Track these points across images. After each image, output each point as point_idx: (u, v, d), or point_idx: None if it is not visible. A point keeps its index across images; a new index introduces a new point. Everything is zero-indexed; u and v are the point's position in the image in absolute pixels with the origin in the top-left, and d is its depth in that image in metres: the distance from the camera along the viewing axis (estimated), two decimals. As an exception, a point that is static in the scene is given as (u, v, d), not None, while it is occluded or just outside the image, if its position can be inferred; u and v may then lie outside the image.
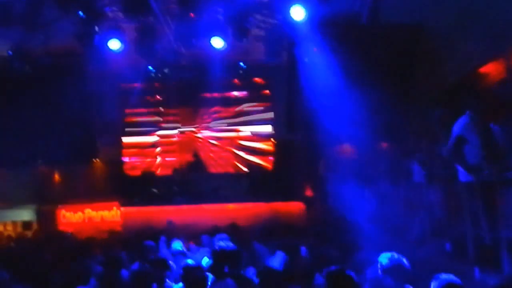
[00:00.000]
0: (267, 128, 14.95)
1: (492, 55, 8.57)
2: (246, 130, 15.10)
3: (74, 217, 13.81)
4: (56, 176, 14.71)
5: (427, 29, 9.85)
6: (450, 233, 7.72)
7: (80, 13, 9.83)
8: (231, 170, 14.84)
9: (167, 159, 15.27)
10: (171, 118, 15.34)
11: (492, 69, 8.81)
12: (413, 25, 9.94)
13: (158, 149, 15.28)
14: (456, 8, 8.73)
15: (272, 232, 9.34)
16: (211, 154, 15.11)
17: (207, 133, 15.24)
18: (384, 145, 11.07)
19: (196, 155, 15.07)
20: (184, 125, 15.31)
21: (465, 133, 6.85)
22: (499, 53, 8.42)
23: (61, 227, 13.48)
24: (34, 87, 12.09)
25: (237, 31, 10.46)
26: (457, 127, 6.97)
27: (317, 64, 10.39)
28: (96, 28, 10.25)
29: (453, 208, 7.89)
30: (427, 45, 9.92)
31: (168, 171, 14.83)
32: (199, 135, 15.29)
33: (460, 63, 9.43)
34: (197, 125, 15.28)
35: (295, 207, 12.91)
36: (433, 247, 7.67)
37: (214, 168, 15.01)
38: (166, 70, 12.45)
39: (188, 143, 15.26)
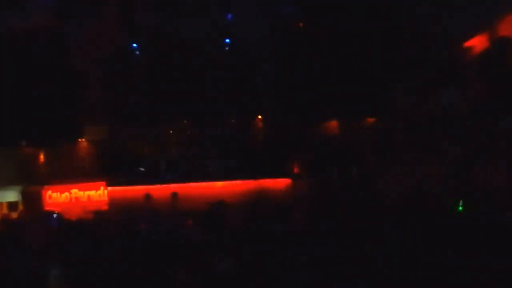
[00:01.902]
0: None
1: (477, 29, 8.58)
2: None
3: (60, 198, 13.73)
4: (41, 157, 14.52)
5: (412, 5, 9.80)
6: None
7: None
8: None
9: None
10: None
11: (477, 43, 8.82)
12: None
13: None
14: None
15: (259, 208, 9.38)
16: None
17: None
18: (370, 120, 11.10)
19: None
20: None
21: None
22: (485, 27, 8.43)
23: (47, 208, 13.41)
24: (15, 66, 11.82)
25: (220, 5, 10.31)
26: None
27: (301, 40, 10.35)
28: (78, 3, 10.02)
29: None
30: (412, 22, 9.88)
31: (154, 150, 14.69)
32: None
33: (446, 38, 9.43)
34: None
35: (283, 183, 12.94)
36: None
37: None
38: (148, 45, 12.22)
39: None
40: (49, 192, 13.69)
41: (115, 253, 6.75)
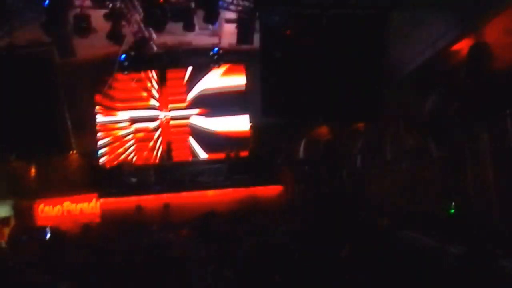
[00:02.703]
0: (244, 113, 14.83)
1: (462, 32, 8.61)
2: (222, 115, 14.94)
3: (52, 211, 13.68)
4: (32, 170, 14.47)
5: (398, 6, 9.85)
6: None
7: (46, 1, 9.58)
8: (208, 156, 14.71)
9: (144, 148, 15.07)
10: (144, 105, 15.07)
11: (462, 47, 8.86)
12: (384, 3, 9.95)
13: (134, 139, 15.05)
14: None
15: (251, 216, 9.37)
16: (188, 140, 14.93)
17: (180, 116, 14.99)
18: (360, 126, 11.13)
19: (170, 143, 14.92)
20: (160, 110, 15.06)
21: None
22: (470, 30, 8.47)
23: (39, 222, 13.34)
24: (2, 81, 11.77)
25: (208, 14, 10.33)
26: None
27: (290, 48, 10.38)
28: (63, 17, 9.99)
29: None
30: (397, 25, 9.92)
31: (146, 160, 14.68)
32: (174, 122, 15.05)
33: (431, 41, 9.48)
34: (171, 111, 15.05)
35: (274, 190, 12.94)
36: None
37: (192, 155, 14.85)
38: (138, 58, 12.21)
39: (164, 131, 15.06)
40: (41, 206, 13.65)
41: (108, 266, 6.69)
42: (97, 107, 14.82)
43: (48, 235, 12.26)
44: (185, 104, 14.96)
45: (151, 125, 15.01)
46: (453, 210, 8.03)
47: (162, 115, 15.03)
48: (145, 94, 14.99)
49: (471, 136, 7.12)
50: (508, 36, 7.40)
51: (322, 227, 7.08)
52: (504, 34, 7.55)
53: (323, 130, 12.11)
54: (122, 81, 14.64)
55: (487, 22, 8.20)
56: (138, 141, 14.96)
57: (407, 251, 5.82)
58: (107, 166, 14.63)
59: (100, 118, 14.86)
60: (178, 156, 14.75)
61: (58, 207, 13.70)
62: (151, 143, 14.94)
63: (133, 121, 15.01)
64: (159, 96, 15.02)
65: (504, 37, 7.50)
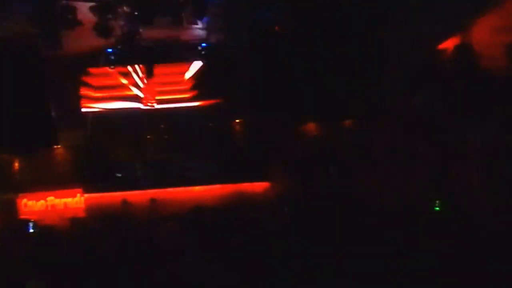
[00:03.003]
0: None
1: (449, 31, 8.72)
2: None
3: (36, 206, 13.52)
4: (16, 164, 14.29)
5: (391, 5, 9.91)
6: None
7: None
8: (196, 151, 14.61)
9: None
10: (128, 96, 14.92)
11: (449, 46, 8.97)
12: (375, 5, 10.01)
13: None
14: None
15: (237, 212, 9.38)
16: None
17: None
18: (348, 123, 11.19)
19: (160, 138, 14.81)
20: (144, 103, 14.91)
21: None
22: (456, 29, 8.58)
23: (22, 216, 13.19)
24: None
25: (196, 9, 10.30)
26: None
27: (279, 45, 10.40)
28: (50, 9, 9.89)
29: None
30: (390, 22, 9.99)
31: (131, 155, 14.55)
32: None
33: (419, 40, 9.57)
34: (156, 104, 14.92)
35: (262, 187, 12.96)
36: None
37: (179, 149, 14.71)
38: (126, 52, 12.13)
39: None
40: (25, 200, 13.46)
41: (93, 260, 6.67)
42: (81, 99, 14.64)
43: (31, 230, 12.19)
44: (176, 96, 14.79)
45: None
46: (437, 208, 8.11)
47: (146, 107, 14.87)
48: (129, 86, 14.81)
49: (458, 134, 7.21)
50: (495, 36, 7.50)
51: (310, 224, 7.12)
52: (491, 34, 7.65)
53: (311, 126, 12.15)
54: (106, 73, 14.49)
55: (473, 21, 8.32)
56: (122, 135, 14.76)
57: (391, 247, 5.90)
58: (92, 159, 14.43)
59: (84, 110, 14.66)
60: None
61: (42, 201, 13.53)
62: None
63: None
64: (144, 89, 14.87)
65: (490, 36, 7.60)
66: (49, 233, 10.28)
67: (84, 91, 14.52)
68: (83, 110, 14.43)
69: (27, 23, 10.17)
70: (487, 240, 5.92)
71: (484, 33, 7.95)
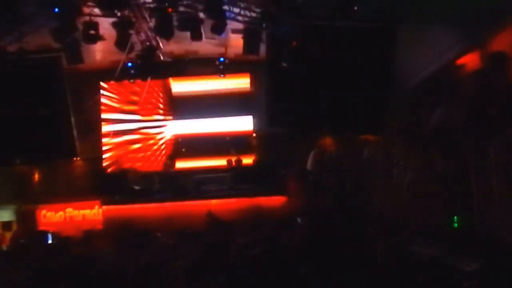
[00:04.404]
0: (248, 122, 14.85)
1: (467, 45, 8.67)
2: (228, 124, 14.94)
3: (55, 217, 13.70)
4: (36, 175, 14.52)
5: (404, 19, 9.92)
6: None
7: (56, 9, 9.68)
8: (213, 165, 14.68)
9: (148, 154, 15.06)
10: (150, 112, 15.11)
11: (468, 60, 8.91)
12: (390, 18, 10.03)
13: (139, 145, 15.06)
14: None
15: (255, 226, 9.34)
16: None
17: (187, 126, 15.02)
18: (366, 137, 11.15)
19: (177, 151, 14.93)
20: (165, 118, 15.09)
21: None
22: (475, 43, 8.52)
23: (41, 227, 13.35)
24: (10, 85, 11.86)
25: (215, 24, 10.41)
26: None
27: (296, 59, 10.46)
28: (73, 24, 10.09)
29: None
30: (404, 36, 9.98)
31: (150, 168, 14.68)
32: (179, 130, 15.06)
33: (437, 54, 9.54)
34: (178, 119, 15.08)
35: (278, 201, 12.92)
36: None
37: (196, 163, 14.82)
38: (145, 66, 12.29)
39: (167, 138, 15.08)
40: (44, 212, 13.65)
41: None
42: (102, 113, 14.86)
43: (50, 240, 12.32)
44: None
45: (156, 132, 15.04)
46: (456, 224, 8.00)
47: (166, 122, 15.05)
48: (151, 101, 15.03)
49: (477, 149, 7.13)
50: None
51: (326, 240, 7.06)
52: (510, 48, 7.59)
53: (329, 141, 12.14)
54: (128, 88, 14.72)
55: (493, 35, 8.27)
56: (143, 148, 14.97)
57: (416, 267, 5.80)
58: (110, 171, 14.59)
59: (105, 124, 14.88)
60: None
61: (61, 213, 13.70)
62: (155, 151, 14.96)
63: (138, 128, 15.03)
64: (163, 104, 15.06)
65: (510, 51, 7.54)
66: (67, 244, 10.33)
67: (104, 104, 14.79)
68: (104, 129, 14.69)
69: (50, 37, 10.36)
70: (507, 257, 5.82)
71: (503, 47, 7.90)
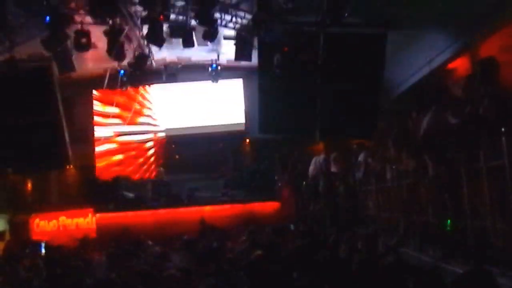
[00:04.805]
0: (240, 128, 14.88)
1: (457, 50, 8.73)
2: (220, 130, 14.97)
3: (48, 226, 13.60)
4: (28, 184, 14.45)
5: (394, 25, 9.99)
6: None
7: (47, 17, 9.67)
8: (206, 171, 14.67)
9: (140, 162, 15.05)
10: (142, 120, 15.11)
11: (459, 65, 8.98)
12: (381, 22, 10.10)
13: (132, 153, 15.06)
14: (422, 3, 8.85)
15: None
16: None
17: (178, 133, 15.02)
18: (361, 142, 11.18)
19: (170, 158, 14.93)
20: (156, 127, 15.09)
21: None
22: (464, 48, 8.59)
23: (34, 236, 13.26)
24: (1, 94, 11.83)
25: (207, 31, 10.45)
26: None
27: (288, 65, 10.50)
28: (64, 33, 10.09)
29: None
30: (395, 41, 10.04)
31: (142, 175, 14.67)
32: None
33: (428, 59, 9.60)
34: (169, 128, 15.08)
35: (271, 207, 12.94)
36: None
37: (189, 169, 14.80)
38: (137, 73, 12.29)
39: (158, 146, 15.07)
40: (37, 220, 13.57)
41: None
42: (94, 121, 14.83)
43: (43, 250, 12.22)
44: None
45: (146, 140, 15.04)
46: (448, 228, 8.03)
47: (157, 129, 15.04)
48: (142, 109, 15.04)
49: (468, 154, 7.15)
50: (504, 54, 7.50)
51: (318, 245, 7.06)
52: (500, 52, 7.65)
53: (322, 146, 12.16)
54: (119, 96, 14.71)
55: (483, 40, 8.33)
56: (135, 155, 14.95)
57: (405, 269, 5.81)
58: (103, 179, 14.55)
59: (97, 132, 14.85)
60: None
61: (54, 221, 13.62)
62: (148, 158, 14.95)
63: (130, 135, 15.01)
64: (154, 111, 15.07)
65: (500, 55, 7.60)
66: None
67: (96, 113, 14.79)
68: (96, 135, 14.65)
69: (42, 46, 10.35)
70: (497, 260, 5.85)
71: (493, 52, 7.95)
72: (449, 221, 7.70)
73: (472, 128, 6.97)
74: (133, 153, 15.03)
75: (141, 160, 14.97)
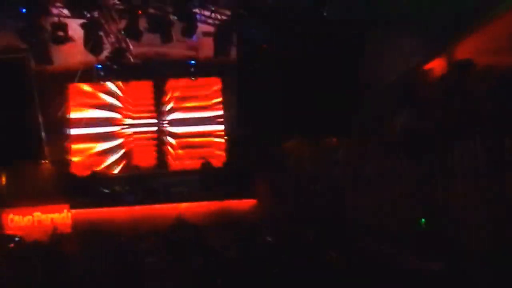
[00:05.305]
0: (219, 124, 14.83)
1: (433, 51, 8.83)
2: (197, 126, 14.87)
3: (22, 221, 13.43)
4: (2, 178, 14.19)
5: (373, 24, 10.07)
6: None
7: (23, 9, 9.53)
8: (183, 167, 14.58)
9: (117, 157, 14.86)
10: (122, 115, 14.93)
11: (435, 65, 9.09)
12: (359, 21, 10.18)
13: (108, 146, 14.83)
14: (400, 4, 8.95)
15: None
16: (165, 151, 14.79)
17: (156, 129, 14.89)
18: (333, 140, 11.27)
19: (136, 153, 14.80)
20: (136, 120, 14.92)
21: None
22: (440, 49, 8.69)
23: (8, 232, 13.06)
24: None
25: (186, 27, 10.40)
26: None
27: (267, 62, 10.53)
28: (40, 23, 9.95)
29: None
30: (372, 41, 10.13)
31: (119, 170, 14.50)
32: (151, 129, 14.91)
33: (405, 59, 9.70)
34: (147, 122, 14.94)
35: (248, 204, 12.95)
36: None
37: (169, 166, 14.71)
38: (114, 67, 12.16)
39: (128, 141, 14.92)
40: (11, 216, 13.37)
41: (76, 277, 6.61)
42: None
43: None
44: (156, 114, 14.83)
45: (126, 134, 14.88)
46: (422, 227, 8.15)
47: (128, 124, 14.88)
48: (113, 104, 14.83)
49: (442, 153, 7.27)
50: (480, 56, 7.61)
51: (297, 240, 7.12)
52: (476, 54, 7.76)
53: (299, 144, 12.23)
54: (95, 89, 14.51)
55: (459, 42, 8.45)
56: (109, 151, 14.74)
57: (381, 268, 5.89)
58: (79, 175, 14.36)
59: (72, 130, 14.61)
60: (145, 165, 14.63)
61: (29, 217, 13.44)
62: (125, 153, 14.79)
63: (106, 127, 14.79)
64: (125, 106, 14.89)
65: (476, 57, 7.71)
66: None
67: (71, 105, 14.54)
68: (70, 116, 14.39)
69: (17, 38, 10.20)
70: (471, 258, 5.95)
71: (469, 54, 8.06)
72: (423, 219, 7.83)
73: (446, 128, 7.09)
74: (111, 147, 14.81)
75: (118, 155, 14.77)
